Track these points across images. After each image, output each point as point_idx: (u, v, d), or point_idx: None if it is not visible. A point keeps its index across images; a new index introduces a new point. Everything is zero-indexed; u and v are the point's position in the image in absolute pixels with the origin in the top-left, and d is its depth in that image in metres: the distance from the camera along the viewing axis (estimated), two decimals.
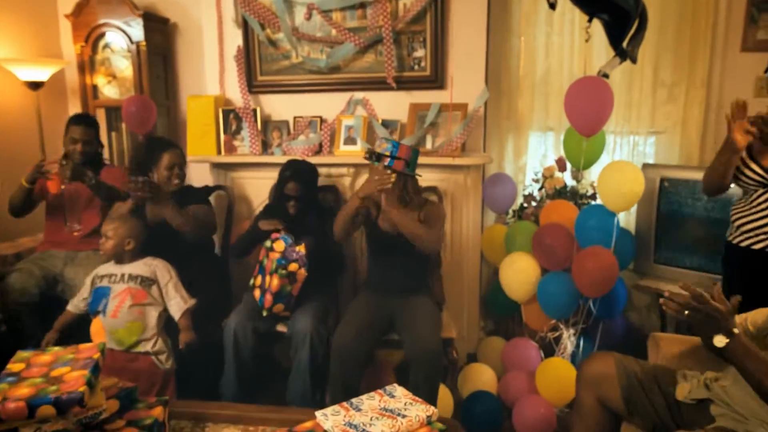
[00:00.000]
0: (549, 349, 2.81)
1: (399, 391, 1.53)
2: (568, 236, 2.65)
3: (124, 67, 3.49)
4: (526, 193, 3.30)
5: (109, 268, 2.44)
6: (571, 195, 3.16)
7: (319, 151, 3.11)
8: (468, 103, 2.94)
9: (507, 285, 2.78)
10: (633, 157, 3.28)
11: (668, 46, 3.13)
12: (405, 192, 2.48)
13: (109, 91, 3.51)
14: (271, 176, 3.07)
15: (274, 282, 2.41)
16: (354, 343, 2.30)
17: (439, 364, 2.32)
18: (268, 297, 2.45)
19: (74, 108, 3.69)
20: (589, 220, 2.60)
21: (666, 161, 3.20)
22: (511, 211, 3.30)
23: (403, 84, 3.04)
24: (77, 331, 2.48)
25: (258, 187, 3.16)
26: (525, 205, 3.21)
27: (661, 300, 1.61)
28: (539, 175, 3.26)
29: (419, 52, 3.02)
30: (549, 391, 2.55)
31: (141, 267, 2.42)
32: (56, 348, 1.73)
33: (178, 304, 2.40)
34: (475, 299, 3.17)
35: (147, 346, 2.35)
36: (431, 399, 2.31)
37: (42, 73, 3.32)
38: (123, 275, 2.38)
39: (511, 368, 2.78)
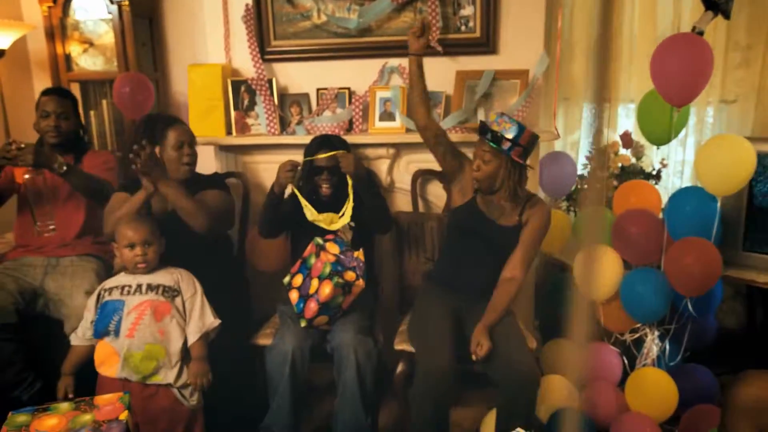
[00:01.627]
0: (628, 353, 2.44)
1: None
2: (657, 225, 2.26)
3: (103, 32, 2.90)
4: (579, 173, 2.90)
5: (120, 278, 1.96)
6: (633, 175, 2.77)
7: (349, 129, 2.62)
8: (529, 70, 2.50)
9: (583, 282, 2.38)
10: (699, 130, 2.91)
11: (743, 2, 2.75)
12: (519, 186, 2.05)
13: (86, 62, 2.93)
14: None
15: (325, 290, 1.95)
16: (449, 361, 1.88)
17: (536, 389, 1.92)
18: (312, 305, 1.99)
19: (41, 83, 3.08)
20: (684, 206, 2.22)
21: (738, 134, 2.83)
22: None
23: (448, 48, 2.57)
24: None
25: (274, 174, 2.65)
26: (583, 187, 2.81)
27: None
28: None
29: (467, 10, 2.55)
30: (644, 408, 2.18)
31: (162, 275, 1.95)
32: (64, 404, 1.29)
33: (196, 324, 1.92)
34: (529, 296, 2.77)
35: (169, 377, 1.87)
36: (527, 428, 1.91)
37: (2, 39, 2.71)
38: (140, 285, 1.90)
39: (588, 378, 2.39)
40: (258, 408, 2.11)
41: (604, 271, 2.33)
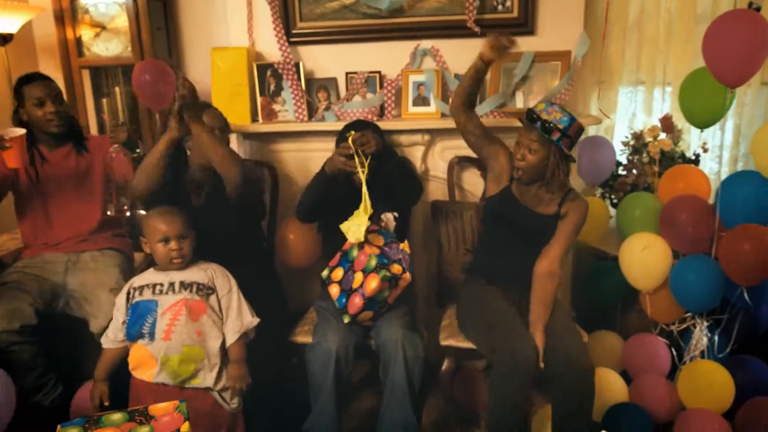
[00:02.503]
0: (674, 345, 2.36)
1: None
2: (708, 211, 2.17)
3: (116, 15, 2.76)
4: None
5: (149, 276, 1.82)
6: (672, 160, 2.68)
7: (381, 115, 2.50)
8: (570, 51, 2.39)
9: (630, 271, 2.29)
10: (738, 113, 2.82)
11: None
12: (565, 178, 1.98)
13: (99, 47, 2.78)
14: (321, 148, 2.48)
15: (372, 284, 1.84)
16: (532, 349, 1.83)
17: (593, 383, 1.83)
18: (357, 300, 1.88)
19: (48, 70, 2.88)
20: (737, 192, 2.12)
21: None
22: None
23: (484, 29, 2.44)
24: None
25: (303, 163, 2.54)
26: (622, 173, 2.71)
27: None
28: (631, 138, 2.76)
29: None
30: (699, 402, 2.10)
31: (195, 272, 1.82)
32: (116, 415, 1.18)
33: (234, 323, 1.81)
34: (566, 288, 2.67)
35: (208, 380, 1.76)
36: (584, 428, 1.82)
37: (10, 23, 2.56)
38: (172, 284, 1.77)
39: (635, 371, 2.31)
40: (296, 408, 2.01)
41: (651, 260, 2.24)
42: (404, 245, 1.92)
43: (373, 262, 1.85)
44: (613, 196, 2.75)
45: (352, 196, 2.02)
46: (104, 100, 2.85)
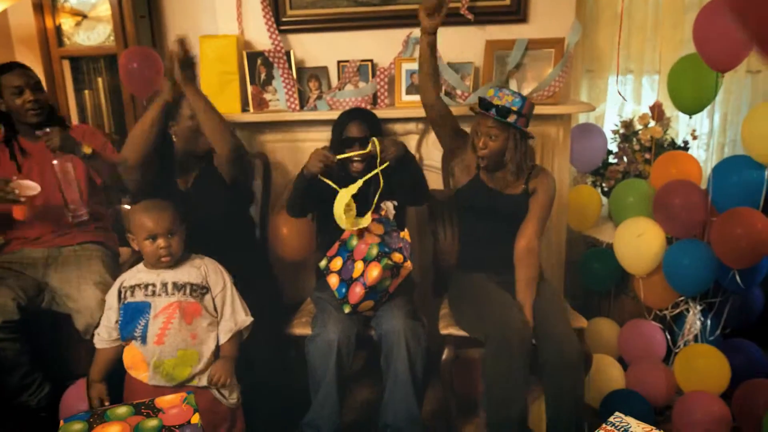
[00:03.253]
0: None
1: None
2: (701, 196, 2.20)
3: (97, 3, 2.67)
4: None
5: (140, 274, 1.75)
6: (661, 148, 2.70)
7: (374, 103, 2.47)
8: (564, 38, 2.38)
9: (623, 256, 2.30)
10: (726, 100, 2.86)
11: None
12: (525, 158, 2.00)
13: (80, 36, 2.69)
14: (313, 138, 2.46)
15: (373, 272, 1.81)
16: (525, 324, 1.84)
17: (581, 368, 1.83)
18: (358, 290, 1.86)
19: (26, 61, 2.79)
20: (730, 176, 2.15)
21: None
22: None
23: (476, 17, 2.42)
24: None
25: (295, 154, 2.50)
26: (613, 161, 2.73)
27: None
28: (621, 126, 2.78)
29: None
30: (696, 385, 2.12)
31: (188, 271, 1.74)
32: (121, 409, 1.14)
33: (227, 323, 1.76)
34: (560, 273, 2.67)
35: (204, 380, 1.71)
36: (578, 413, 1.82)
37: None
38: (165, 284, 1.71)
39: (631, 357, 2.33)
40: (294, 401, 1.98)
41: (645, 245, 2.25)
42: (404, 234, 1.90)
43: (374, 251, 1.83)
44: (604, 184, 2.77)
45: (343, 185, 1.98)
46: (86, 92, 2.76)
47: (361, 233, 1.91)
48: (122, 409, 1.17)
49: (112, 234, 2.37)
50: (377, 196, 1.92)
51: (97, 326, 1.81)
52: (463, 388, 2.35)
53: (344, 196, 1.83)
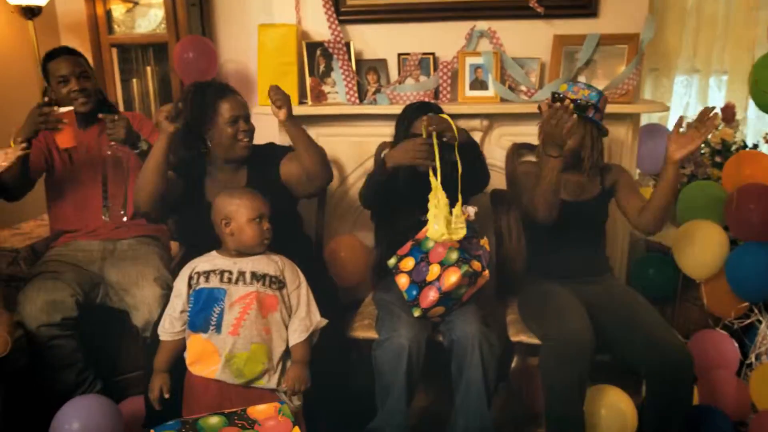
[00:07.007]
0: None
1: None
2: None
3: None
4: None
5: (216, 260, 1.66)
6: (729, 151, 2.59)
7: (435, 98, 2.38)
8: (639, 34, 2.28)
9: (685, 260, 2.20)
10: None
11: None
12: (601, 157, 1.95)
13: (130, 24, 2.62)
14: (373, 133, 2.36)
15: (451, 278, 1.72)
16: (586, 327, 1.75)
17: (691, 378, 1.74)
18: (432, 294, 1.76)
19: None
20: None
21: None
22: None
23: (544, 10, 2.33)
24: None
25: (353, 149, 2.42)
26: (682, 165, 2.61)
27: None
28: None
29: None
30: None
31: (266, 262, 1.67)
32: (213, 419, 1.06)
33: (303, 321, 1.67)
34: (622, 279, 2.57)
35: (272, 381, 1.62)
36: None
37: None
38: (243, 273, 1.62)
39: (702, 370, 2.22)
40: (358, 406, 1.89)
41: (707, 248, 2.16)
42: (484, 241, 1.81)
43: (454, 256, 1.74)
44: None
45: (417, 180, 1.89)
46: (134, 81, 2.69)
47: None
48: (214, 419, 1.10)
49: (164, 227, 2.31)
50: (459, 188, 1.80)
51: (157, 323, 1.74)
52: (526, 397, 2.26)
53: (443, 208, 1.74)
